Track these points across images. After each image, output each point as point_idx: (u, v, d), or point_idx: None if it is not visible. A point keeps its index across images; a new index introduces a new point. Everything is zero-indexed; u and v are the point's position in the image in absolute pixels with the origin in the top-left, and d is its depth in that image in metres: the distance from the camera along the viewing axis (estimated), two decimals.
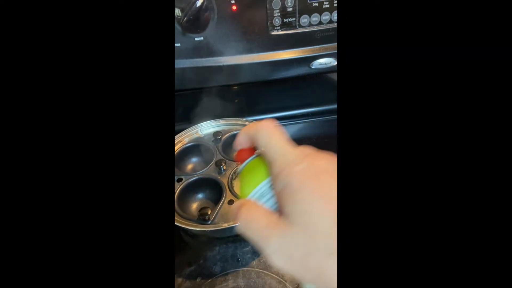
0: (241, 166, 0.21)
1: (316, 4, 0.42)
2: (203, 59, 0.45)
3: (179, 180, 0.40)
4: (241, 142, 0.22)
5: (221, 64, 0.45)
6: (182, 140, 0.46)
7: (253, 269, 0.35)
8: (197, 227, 0.34)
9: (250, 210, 0.19)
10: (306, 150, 0.19)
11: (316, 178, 0.17)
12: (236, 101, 0.55)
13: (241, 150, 0.22)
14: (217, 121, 0.49)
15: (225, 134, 0.46)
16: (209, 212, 0.34)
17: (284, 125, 0.56)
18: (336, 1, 0.42)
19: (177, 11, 0.40)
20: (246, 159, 0.21)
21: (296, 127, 0.56)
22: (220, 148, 0.44)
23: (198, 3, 0.38)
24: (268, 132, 0.20)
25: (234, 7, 0.41)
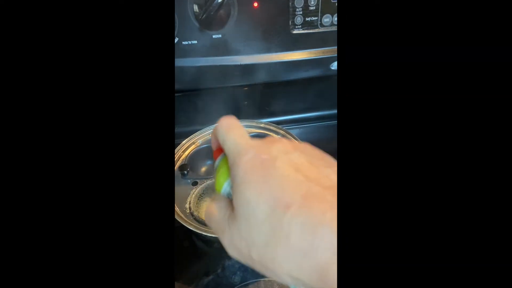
0: (214, 165, 0.22)
1: None
2: (220, 57, 0.43)
3: (195, 183, 0.38)
4: (213, 142, 0.22)
5: (239, 63, 0.44)
6: (195, 141, 0.44)
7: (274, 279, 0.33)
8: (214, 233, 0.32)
9: (211, 205, 0.20)
10: (258, 141, 0.19)
11: (257, 168, 0.17)
12: (245, 102, 0.54)
13: (215, 150, 0.22)
14: None
15: None
16: None
17: (297, 127, 0.54)
18: None
19: (195, 7, 0.39)
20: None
21: (309, 129, 0.54)
22: None
23: None
24: (223, 128, 0.20)
25: (255, 4, 0.39)
